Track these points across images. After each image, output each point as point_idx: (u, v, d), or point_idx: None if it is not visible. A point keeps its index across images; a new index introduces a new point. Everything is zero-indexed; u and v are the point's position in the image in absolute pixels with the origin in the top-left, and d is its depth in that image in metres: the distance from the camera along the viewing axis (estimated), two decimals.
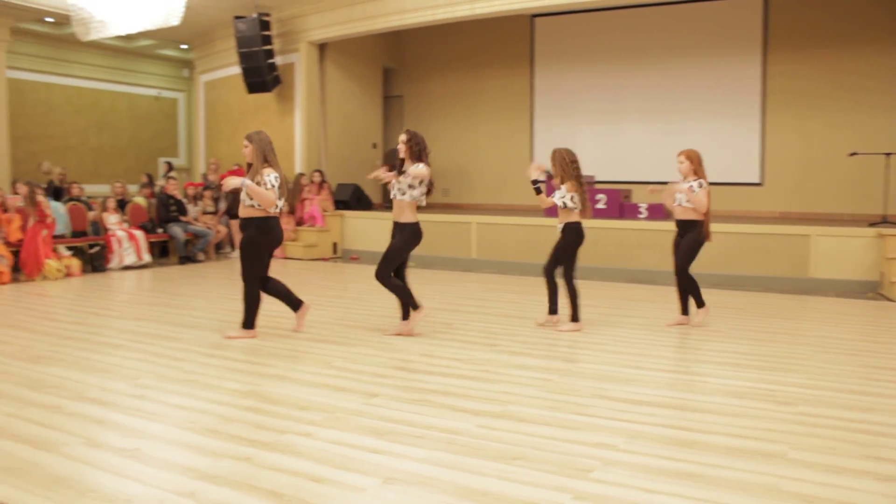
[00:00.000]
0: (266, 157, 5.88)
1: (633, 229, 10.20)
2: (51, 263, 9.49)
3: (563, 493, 3.01)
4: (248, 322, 6.08)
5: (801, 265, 9.20)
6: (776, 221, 10.65)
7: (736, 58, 12.40)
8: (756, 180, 12.39)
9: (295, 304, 6.28)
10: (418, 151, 5.94)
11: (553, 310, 6.64)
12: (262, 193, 5.72)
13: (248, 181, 5.73)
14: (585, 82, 13.79)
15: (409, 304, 6.17)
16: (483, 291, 8.92)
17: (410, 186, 5.97)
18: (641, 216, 10.92)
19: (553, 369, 5.12)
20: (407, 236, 6.06)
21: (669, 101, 12.97)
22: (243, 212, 5.90)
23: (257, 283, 6.02)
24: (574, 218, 6.39)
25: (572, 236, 6.39)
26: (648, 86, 13.16)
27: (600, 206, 11.05)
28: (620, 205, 11.08)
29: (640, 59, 13.18)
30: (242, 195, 5.85)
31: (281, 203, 5.91)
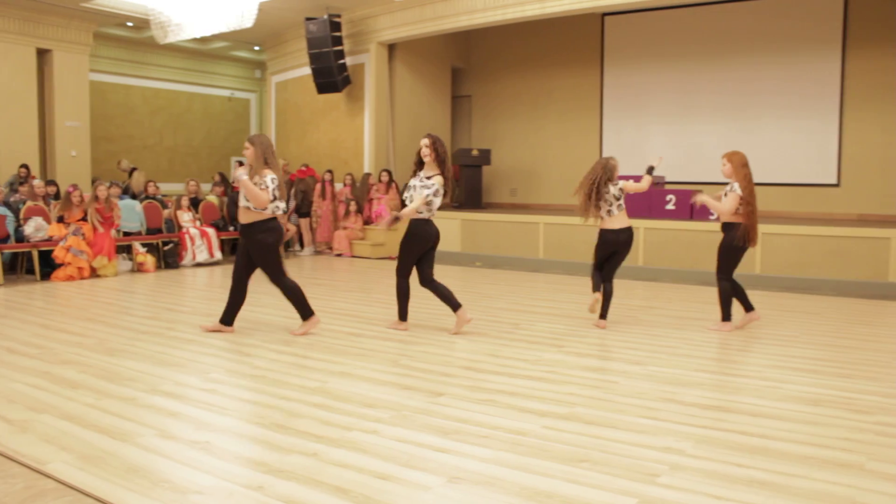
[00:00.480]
0: (266, 159, 5.96)
1: (705, 231, 9.97)
2: (102, 260, 9.74)
3: (630, 498, 2.97)
4: (304, 313, 6.18)
5: (880, 269, 8.87)
6: (854, 224, 10.30)
7: (813, 55, 12.01)
8: (833, 181, 12.00)
9: (230, 316, 6.34)
10: (443, 155, 6.16)
11: (602, 314, 6.67)
12: (255, 192, 5.78)
13: (240, 175, 5.77)
14: (656, 81, 13.56)
15: (402, 311, 6.42)
16: (550, 292, 8.86)
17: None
18: (712, 217, 10.66)
19: (620, 371, 5.06)
20: (409, 235, 6.44)
21: (742, 99, 12.64)
22: (244, 216, 5.97)
23: (286, 276, 6.11)
24: (601, 225, 6.55)
25: (597, 241, 6.61)
26: (720, 84, 12.86)
27: (670, 206, 10.86)
28: (691, 206, 10.87)
29: (713, 57, 12.90)
30: (240, 198, 5.95)
31: (283, 205, 6.02)
